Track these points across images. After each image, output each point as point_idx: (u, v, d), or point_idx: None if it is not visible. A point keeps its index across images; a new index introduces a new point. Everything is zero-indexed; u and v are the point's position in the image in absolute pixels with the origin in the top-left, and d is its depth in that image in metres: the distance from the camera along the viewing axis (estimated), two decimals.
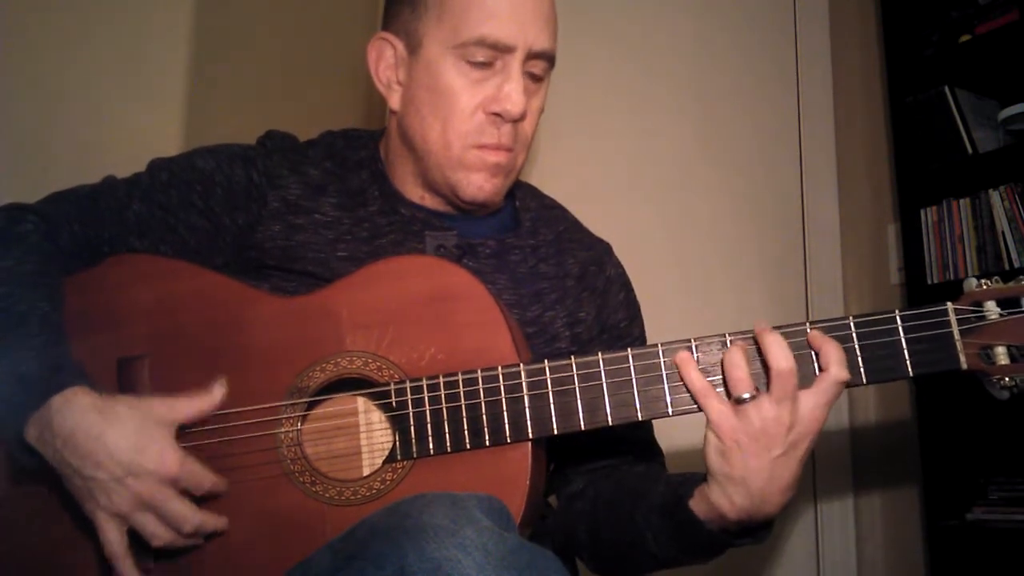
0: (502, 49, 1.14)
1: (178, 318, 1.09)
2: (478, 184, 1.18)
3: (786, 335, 1.00)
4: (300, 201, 1.20)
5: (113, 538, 0.97)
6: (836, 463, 2.28)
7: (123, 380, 1.07)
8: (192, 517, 0.98)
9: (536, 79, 1.19)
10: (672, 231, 2.38)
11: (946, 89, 2.13)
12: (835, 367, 0.98)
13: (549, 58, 1.19)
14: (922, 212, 2.17)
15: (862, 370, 1.00)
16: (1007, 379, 0.99)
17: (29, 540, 1.04)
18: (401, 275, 1.07)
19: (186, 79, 1.77)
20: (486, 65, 1.15)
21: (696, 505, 1.03)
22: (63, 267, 1.12)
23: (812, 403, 0.98)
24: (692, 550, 1.07)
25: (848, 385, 1.00)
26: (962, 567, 1.97)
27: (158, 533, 0.98)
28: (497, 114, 1.15)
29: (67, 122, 1.56)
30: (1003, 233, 2.04)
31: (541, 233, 1.28)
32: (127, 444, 0.96)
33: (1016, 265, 1.99)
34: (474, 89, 1.15)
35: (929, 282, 2.12)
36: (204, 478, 1.00)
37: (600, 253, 1.32)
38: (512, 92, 1.15)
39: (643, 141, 2.43)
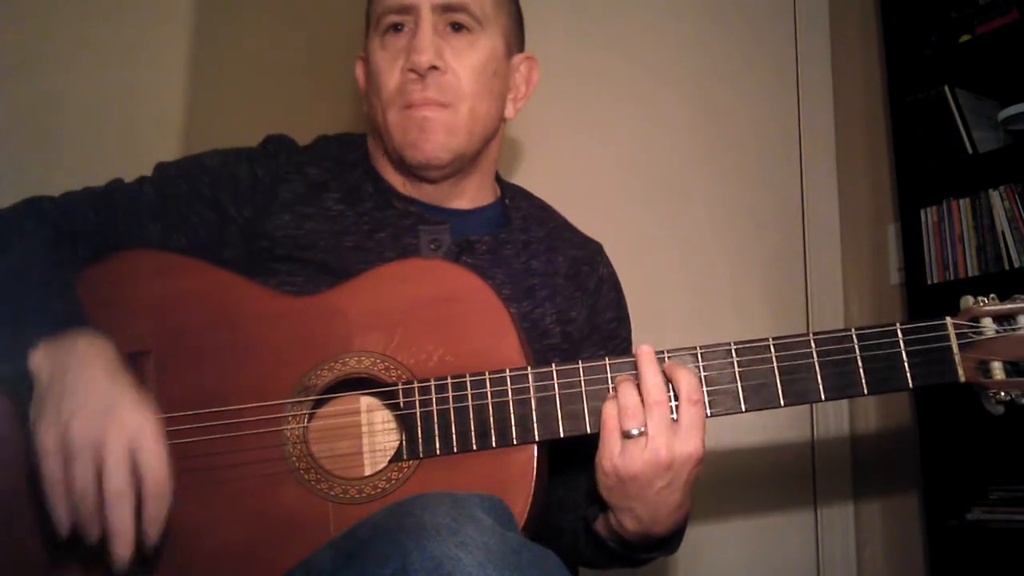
0: (407, 10, 1.18)
1: (185, 314, 1.09)
2: (414, 142, 1.18)
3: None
4: (307, 196, 1.22)
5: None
6: (836, 463, 2.28)
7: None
8: (123, 521, 0.89)
9: (461, 29, 1.20)
10: (672, 232, 2.38)
11: (946, 89, 2.13)
12: (684, 391, 0.99)
13: (461, 7, 1.19)
14: (922, 212, 2.17)
15: (864, 381, 1.02)
16: (1002, 393, 1.01)
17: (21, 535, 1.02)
18: (409, 278, 1.08)
19: (186, 79, 1.77)
20: (399, 29, 1.19)
21: (598, 525, 1.10)
22: (78, 252, 1.12)
23: (684, 434, 0.98)
24: (613, 560, 1.12)
25: (850, 396, 1.02)
26: (962, 567, 1.97)
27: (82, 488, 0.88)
28: (412, 69, 1.17)
29: (67, 122, 1.56)
30: (1003, 233, 2.03)
31: (532, 230, 1.29)
32: (135, 416, 0.92)
33: (1016, 265, 1.99)
34: (394, 56, 1.19)
35: (929, 282, 2.12)
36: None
37: (592, 252, 1.33)
38: (418, 43, 1.17)
39: (642, 142, 2.43)
